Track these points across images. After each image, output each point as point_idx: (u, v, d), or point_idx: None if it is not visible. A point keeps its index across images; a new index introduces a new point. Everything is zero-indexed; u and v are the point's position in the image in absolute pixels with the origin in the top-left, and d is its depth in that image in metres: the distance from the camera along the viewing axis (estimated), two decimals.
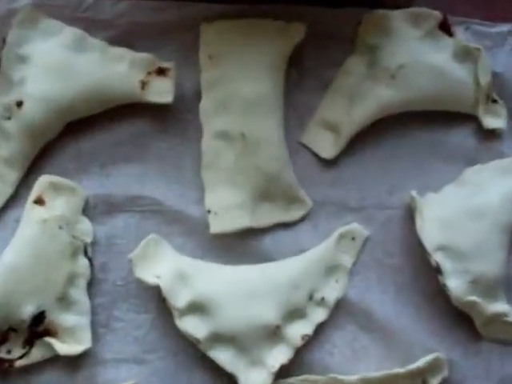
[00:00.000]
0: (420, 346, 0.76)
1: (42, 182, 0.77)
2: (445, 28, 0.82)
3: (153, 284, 0.73)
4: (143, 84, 0.78)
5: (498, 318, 0.75)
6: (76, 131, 0.81)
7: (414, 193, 0.77)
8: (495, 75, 0.83)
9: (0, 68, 0.78)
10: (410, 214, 0.79)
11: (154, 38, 0.82)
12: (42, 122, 0.77)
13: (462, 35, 0.83)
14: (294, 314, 0.74)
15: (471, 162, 0.82)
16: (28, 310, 0.72)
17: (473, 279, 0.74)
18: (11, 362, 0.73)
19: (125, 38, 0.82)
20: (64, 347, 0.73)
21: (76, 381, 0.75)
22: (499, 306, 0.75)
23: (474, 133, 0.83)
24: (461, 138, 0.83)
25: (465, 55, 0.82)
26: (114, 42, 0.81)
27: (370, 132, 0.81)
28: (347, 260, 0.78)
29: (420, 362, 0.73)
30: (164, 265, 0.75)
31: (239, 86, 0.78)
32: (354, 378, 0.73)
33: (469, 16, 0.85)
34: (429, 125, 0.83)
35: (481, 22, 0.85)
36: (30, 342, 0.74)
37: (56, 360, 0.74)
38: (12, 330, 0.73)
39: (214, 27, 0.80)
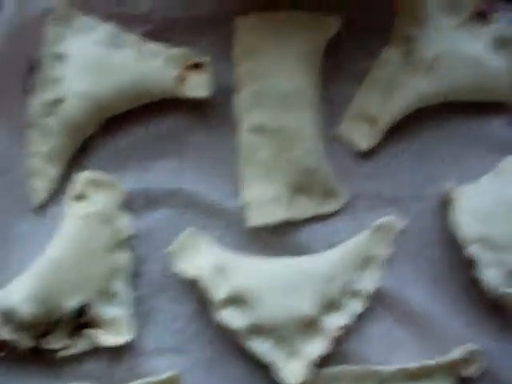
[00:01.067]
0: (455, 336, 0.76)
1: (83, 177, 0.78)
2: (482, 15, 0.82)
3: (192, 277, 0.74)
4: (179, 79, 0.79)
5: None
6: (114, 127, 0.81)
7: (450, 183, 0.77)
8: None
9: (36, 67, 0.80)
10: (446, 205, 0.79)
11: (190, 32, 0.83)
12: (81, 119, 0.79)
13: (499, 22, 0.82)
14: (331, 305, 0.75)
15: (509, 151, 0.81)
16: (72, 303, 0.74)
17: (509, 270, 0.74)
18: (55, 352, 0.75)
19: (161, 32, 0.82)
20: (106, 338, 0.75)
21: (118, 371, 0.76)
22: None
23: None
24: (498, 127, 0.82)
25: (502, 43, 0.82)
26: (151, 36, 0.82)
27: (406, 123, 0.81)
28: (383, 251, 0.78)
29: (455, 354, 0.73)
30: (202, 257, 0.76)
31: (274, 80, 0.78)
32: (389, 368, 0.73)
33: (508, 2, 0.84)
34: (465, 115, 0.83)
35: None
36: (73, 334, 0.75)
37: (98, 351, 0.76)
38: (56, 321, 0.75)
39: (249, 21, 0.80)
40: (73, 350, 0.76)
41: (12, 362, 0.76)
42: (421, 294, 0.78)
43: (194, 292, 0.77)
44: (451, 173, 0.81)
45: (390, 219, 0.79)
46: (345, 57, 0.83)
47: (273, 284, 0.74)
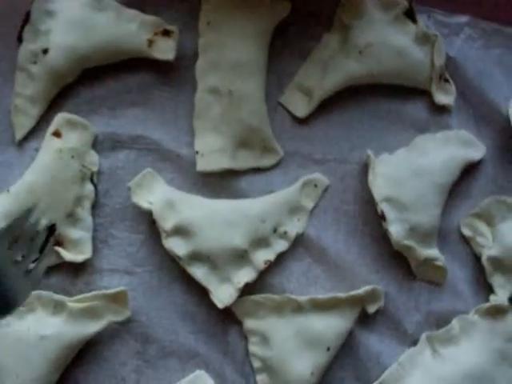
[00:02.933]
0: (363, 279, 0.85)
1: (60, 118, 0.84)
2: (410, 15, 0.88)
3: (146, 209, 0.81)
4: (150, 42, 0.85)
5: (429, 261, 0.84)
6: (91, 77, 0.87)
7: (369, 152, 0.84)
8: (449, 59, 0.90)
9: (29, 20, 0.85)
10: (365, 170, 0.86)
11: (162, 4, 0.88)
12: (63, 68, 0.84)
13: (424, 22, 0.89)
14: (260, 242, 0.82)
15: (422, 130, 0.89)
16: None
17: (411, 227, 0.82)
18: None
19: (136, 2, 0.87)
20: (69, 255, 0.82)
21: (76, 285, 0.83)
22: (431, 252, 0.84)
23: (427, 106, 0.90)
24: (415, 109, 0.90)
25: (424, 39, 0.88)
26: (127, 4, 0.87)
27: (338, 98, 0.88)
28: (309, 203, 0.86)
29: (360, 291, 0.82)
30: (156, 194, 0.82)
31: (230, 50, 0.84)
32: (304, 298, 0.83)
33: (433, 6, 0.91)
34: (388, 96, 0.90)
35: (442, 12, 0.91)
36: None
37: (61, 267, 0.83)
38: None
39: None
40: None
41: None
42: (338, 241, 0.86)
43: (146, 222, 0.85)
44: (372, 143, 0.88)
45: (317, 176, 0.87)
46: (292, 37, 0.89)
47: (213, 219, 0.81)
